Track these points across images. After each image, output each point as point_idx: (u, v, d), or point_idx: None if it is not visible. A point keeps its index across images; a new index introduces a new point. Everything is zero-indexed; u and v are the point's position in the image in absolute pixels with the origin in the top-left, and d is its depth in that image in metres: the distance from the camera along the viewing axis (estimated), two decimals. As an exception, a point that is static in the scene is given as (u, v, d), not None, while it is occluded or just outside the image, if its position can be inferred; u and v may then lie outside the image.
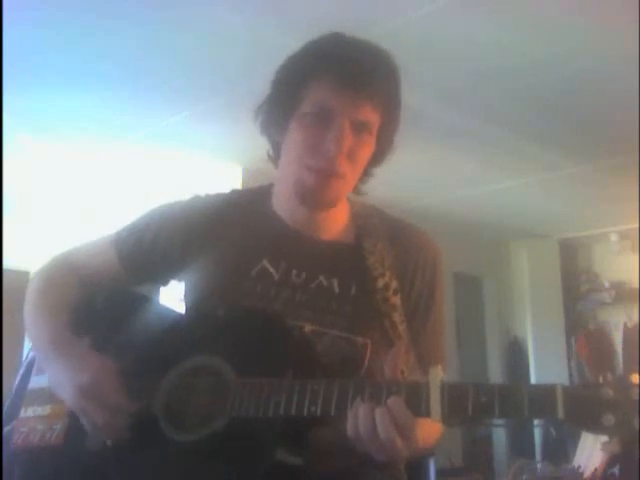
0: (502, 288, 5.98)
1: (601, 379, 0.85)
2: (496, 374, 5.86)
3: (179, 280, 1.21)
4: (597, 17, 2.50)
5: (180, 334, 1.10)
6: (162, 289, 1.31)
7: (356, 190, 1.19)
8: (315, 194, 1.10)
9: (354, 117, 1.06)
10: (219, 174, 4.04)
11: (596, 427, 0.82)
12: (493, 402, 0.85)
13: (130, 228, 1.25)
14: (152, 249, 1.20)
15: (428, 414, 0.87)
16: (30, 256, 4.16)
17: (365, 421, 0.88)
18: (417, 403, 0.87)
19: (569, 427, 0.86)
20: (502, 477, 5.02)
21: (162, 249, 1.19)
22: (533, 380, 5.66)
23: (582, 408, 0.82)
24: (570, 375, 5.55)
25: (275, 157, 1.18)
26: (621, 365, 5.47)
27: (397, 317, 1.11)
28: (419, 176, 4.35)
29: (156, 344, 1.08)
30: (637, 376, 0.85)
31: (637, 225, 4.90)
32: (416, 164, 4.14)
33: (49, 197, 4.37)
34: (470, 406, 0.85)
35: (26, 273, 4.10)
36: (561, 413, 0.82)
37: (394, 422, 0.87)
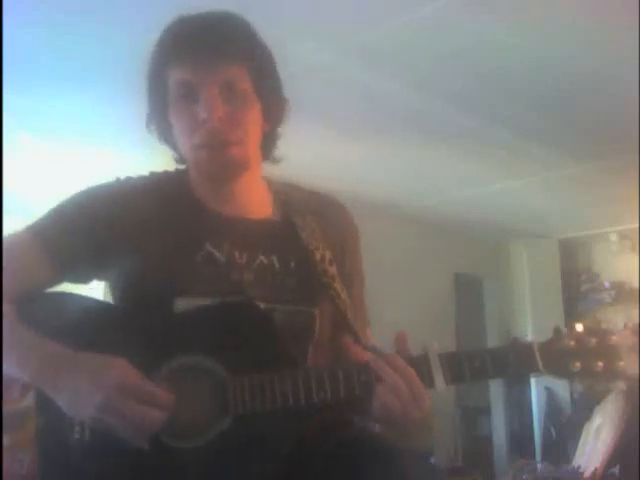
0: (502, 288, 5.97)
1: (565, 330, 1.02)
2: (496, 374, 5.85)
3: (114, 271, 1.12)
4: (597, 17, 2.50)
5: (138, 335, 1.03)
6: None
7: (269, 157, 1.20)
8: (216, 168, 1.11)
9: (218, 80, 1.07)
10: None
11: (568, 374, 0.99)
12: (486, 366, 0.99)
13: (53, 217, 1.15)
14: (84, 236, 1.10)
15: (432, 384, 0.98)
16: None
17: (386, 387, 0.97)
18: (421, 375, 0.98)
19: (548, 376, 1.05)
20: (502, 477, 5.02)
21: (96, 236, 1.10)
22: (534, 381, 5.65)
23: (555, 359, 1.00)
24: (570, 375, 5.54)
25: (179, 156, 1.19)
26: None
27: (338, 285, 1.16)
28: (419, 176, 4.35)
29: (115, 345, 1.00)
30: (580, 325, 1.03)
31: (637, 225, 4.90)
32: (416, 164, 4.15)
33: (49, 197, 4.37)
34: (467, 371, 0.98)
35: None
36: (541, 366, 0.99)
37: (408, 384, 0.97)
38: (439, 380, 0.97)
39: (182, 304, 1.06)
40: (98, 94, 3.10)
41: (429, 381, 0.98)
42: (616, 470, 3.42)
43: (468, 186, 4.60)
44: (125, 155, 3.84)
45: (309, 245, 1.16)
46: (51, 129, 3.49)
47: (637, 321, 0.98)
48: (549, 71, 2.93)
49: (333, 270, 1.16)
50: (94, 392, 0.94)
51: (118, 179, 1.19)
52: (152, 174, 1.22)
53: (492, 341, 5.92)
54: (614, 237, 5.65)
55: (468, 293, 5.75)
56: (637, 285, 5.39)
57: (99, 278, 1.17)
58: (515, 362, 0.99)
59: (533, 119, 3.46)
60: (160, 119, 1.15)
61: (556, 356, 0.99)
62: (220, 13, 1.11)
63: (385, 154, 3.92)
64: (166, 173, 1.23)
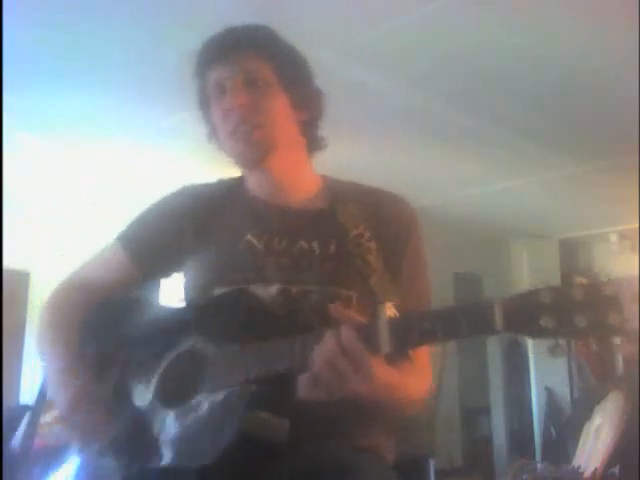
0: (502, 288, 5.96)
1: (540, 285, 0.86)
2: (496, 375, 5.86)
3: (184, 267, 1.28)
4: (597, 17, 2.50)
5: (175, 323, 1.17)
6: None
7: (314, 145, 1.30)
8: (244, 150, 1.21)
9: (242, 70, 1.20)
10: (219, 173, 4.03)
11: (536, 331, 0.84)
12: (435, 327, 0.89)
13: (133, 227, 1.32)
14: (159, 242, 1.27)
15: (378, 348, 0.92)
16: (30, 256, 4.15)
17: (320, 354, 0.94)
18: (367, 339, 0.93)
19: (510, 335, 0.88)
20: (502, 477, 5.02)
21: (168, 240, 1.26)
22: (534, 381, 5.66)
23: (520, 315, 0.84)
24: (570, 376, 5.54)
25: None
26: (622, 364, 5.47)
27: (372, 258, 1.19)
28: (419, 176, 4.35)
29: (153, 337, 1.16)
30: (580, 278, 0.87)
31: (637, 225, 4.90)
32: (416, 164, 4.15)
33: (49, 197, 4.37)
34: (416, 335, 0.91)
35: (26, 273, 4.10)
36: (499, 324, 0.85)
37: (343, 349, 0.93)
38: (384, 346, 0.92)
39: (218, 293, 1.16)
40: (98, 93, 3.10)
41: (376, 347, 0.92)
42: (616, 470, 3.42)
43: (468, 186, 4.61)
44: (125, 154, 3.85)
45: (347, 225, 1.22)
46: (51, 129, 3.49)
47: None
48: (549, 71, 2.93)
49: (371, 244, 1.20)
50: (58, 405, 1.14)
51: (185, 187, 1.34)
52: (219, 180, 1.37)
53: (492, 341, 5.92)
54: (614, 237, 5.66)
55: (468, 293, 5.75)
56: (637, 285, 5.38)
57: (173, 273, 1.32)
58: (468, 321, 0.87)
59: (533, 119, 3.46)
60: (211, 126, 1.28)
61: (523, 312, 0.84)
62: (247, 25, 1.27)
63: (385, 154, 3.92)
64: (231, 178, 1.36)
